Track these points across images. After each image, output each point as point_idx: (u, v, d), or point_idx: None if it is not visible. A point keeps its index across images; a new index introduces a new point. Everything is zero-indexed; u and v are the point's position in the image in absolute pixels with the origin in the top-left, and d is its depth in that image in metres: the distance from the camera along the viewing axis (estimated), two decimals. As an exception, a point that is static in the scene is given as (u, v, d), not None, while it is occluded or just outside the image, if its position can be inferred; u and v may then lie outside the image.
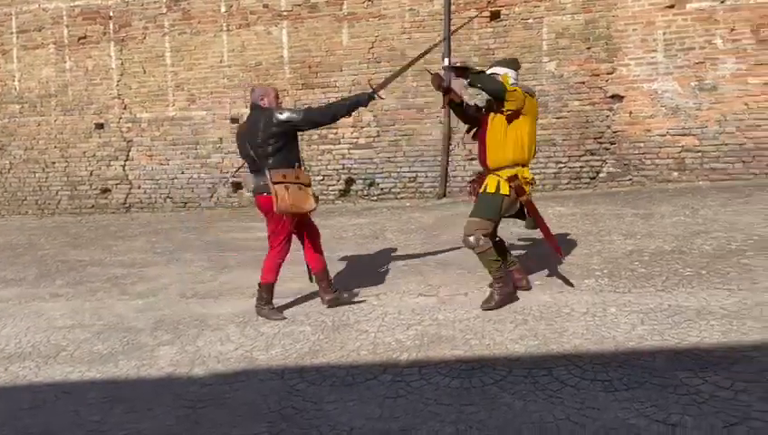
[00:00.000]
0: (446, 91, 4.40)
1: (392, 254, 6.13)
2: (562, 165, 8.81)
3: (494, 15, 8.87)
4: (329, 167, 9.53)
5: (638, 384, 3.08)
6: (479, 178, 4.60)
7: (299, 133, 4.59)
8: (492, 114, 4.37)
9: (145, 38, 10.10)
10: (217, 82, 9.86)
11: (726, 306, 3.97)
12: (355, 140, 9.40)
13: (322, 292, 4.70)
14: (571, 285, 4.65)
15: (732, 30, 8.12)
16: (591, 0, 8.53)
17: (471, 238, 4.34)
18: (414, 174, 9.30)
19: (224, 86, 9.84)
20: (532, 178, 4.47)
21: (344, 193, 9.48)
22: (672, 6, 8.30)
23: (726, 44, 8.16)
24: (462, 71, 4.38)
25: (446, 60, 8.91)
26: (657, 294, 4.33)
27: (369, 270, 5.62)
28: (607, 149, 8.67)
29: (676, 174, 8.40)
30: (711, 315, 3.84)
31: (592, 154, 8.70)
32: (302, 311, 4.72)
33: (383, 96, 4.81)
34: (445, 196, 9.08)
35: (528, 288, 4.65)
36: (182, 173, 10.11)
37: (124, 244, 7.74)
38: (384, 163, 9.35)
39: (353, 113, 4.76)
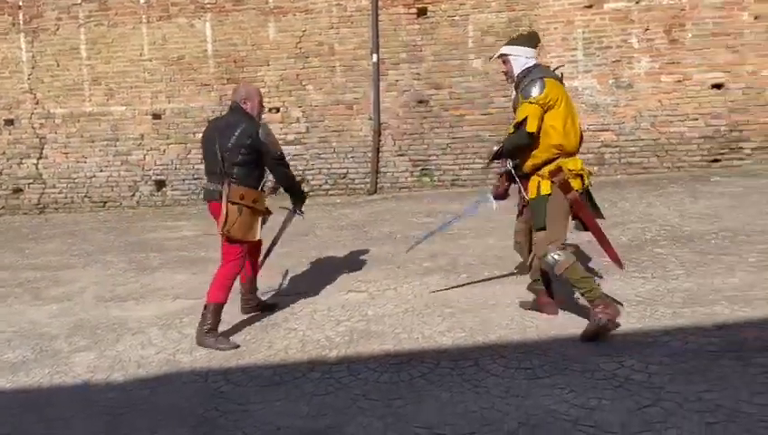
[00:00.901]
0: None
1: (322, 250, 6.08)
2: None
3: (421, 12, 8.95)
4: (257, 163, 9.34)
5: (559, 371, 3.18)
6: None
7: None
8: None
9: (58, 29, 9.58)
10: (137, 75, 9.48)
11: (641, 293, 4.15)
12: (284, 136, 9.26)
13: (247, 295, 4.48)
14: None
15: (646, 30, 8.52)
16: (515, -1, 8.75)
17: (548, 258, 3.62)
18: (344, 170, 9.26)
19: (144, 80, 9.47)
20: (581, 169, 3.71)
21: (274, 190, 9.32)
22: (590, 6, 8.62)
23: (641, 44, 8.55)
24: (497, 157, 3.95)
25: (374, 56, 8.95)
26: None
27: (298, 267, 5.55)
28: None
29: (596, 168, 8.71)
30: (627, 302, 4.00)
31: (518, 149, 8.92)
32: (228, 310, 4.59)
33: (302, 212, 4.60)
34: (375, 192, 9.10)
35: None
36: (101, 171, 9.67)
37: (38, 246, 7.33)
38: (314, 159, 9.26)
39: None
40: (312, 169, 9.28)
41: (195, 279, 5.35)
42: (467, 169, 9.01)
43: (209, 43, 9.29)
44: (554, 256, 3.59)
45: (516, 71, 3.82)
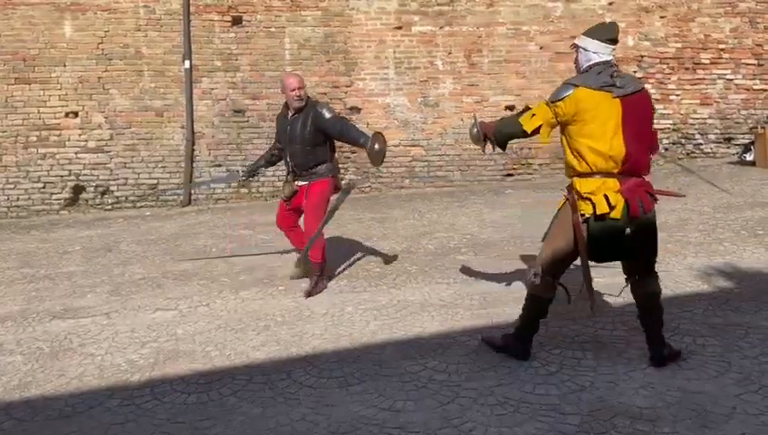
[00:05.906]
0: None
1: (127, 267, 5.67)
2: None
3: (236, 21, 8.79)
4: (51, 173, 8.46)
5: (369, 377, 3.28)
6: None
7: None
8: None
9: None
10: None
11: (444, 298, 4.45)
12: (83, 143, 8.51)
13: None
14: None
15: (449, 53, 9.22)
16: (330, 15, 8.96)
17: (529, 274, 3.35)
18: (155, 181, 8.74)
19: None
20: (604, 193, 3.08)
21: (71, 202, 8.51)
22: (400, 28, 9.12)
23: (445, 66, 9.23)
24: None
25: (187, 62, 8.60)
26: (388, 291, 4.68)
27: (99, 286, 5.11)
28: (348, 158, 9.16)
29: (407, 181, 9.23)
30: (432, 307, 4.27)
31: (335, 162, 9.12)
32: (12, 338, 4.09)
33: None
34: (189, 204, 8.71)
35: None
36: None
37: None
38: (119, 169, 8.62)
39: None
40: (118, 180, 8.63)
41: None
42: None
43: (-8, 37, 8.25)
44: (534, 278, 3.28)
45: (582, 65, 3.31)
